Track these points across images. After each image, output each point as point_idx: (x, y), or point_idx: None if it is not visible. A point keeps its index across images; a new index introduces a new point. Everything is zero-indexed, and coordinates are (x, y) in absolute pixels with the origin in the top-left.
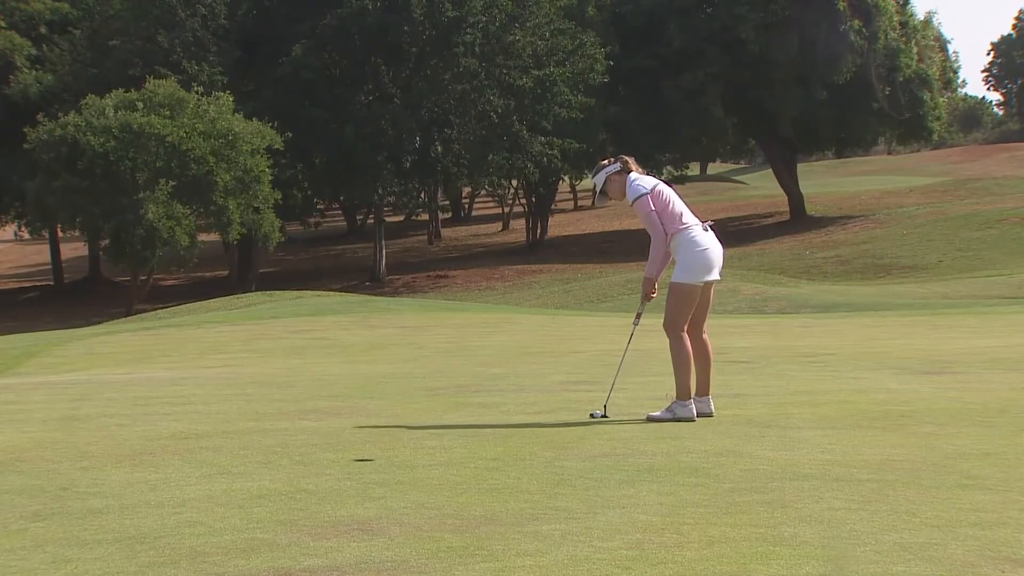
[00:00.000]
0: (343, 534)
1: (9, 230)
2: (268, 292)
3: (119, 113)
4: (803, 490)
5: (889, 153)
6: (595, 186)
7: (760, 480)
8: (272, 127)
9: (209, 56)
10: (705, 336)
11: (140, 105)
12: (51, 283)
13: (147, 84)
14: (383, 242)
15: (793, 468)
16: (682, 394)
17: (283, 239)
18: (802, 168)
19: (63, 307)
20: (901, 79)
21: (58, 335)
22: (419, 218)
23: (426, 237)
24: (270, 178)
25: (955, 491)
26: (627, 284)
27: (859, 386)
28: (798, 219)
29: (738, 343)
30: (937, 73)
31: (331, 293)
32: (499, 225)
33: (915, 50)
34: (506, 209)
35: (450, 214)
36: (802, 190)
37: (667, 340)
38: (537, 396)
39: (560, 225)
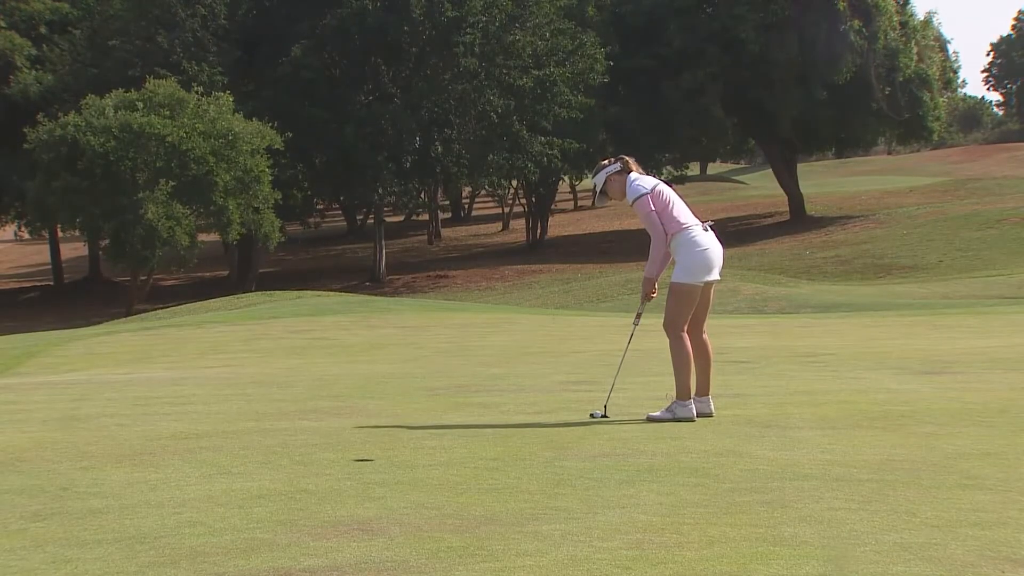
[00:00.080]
0: (343, 534)
1: (9, 230)
2: (268, 292)
3: (119, 113)
4: (803, 490)
5: (889, 153)
6: (595, 186)
7: (760, 480)
8: (272, 127)
9: (209, 56)
10: (705, 336)
11: (140, 105)
12: (51, 283)
13: (147, 84)
14: (383, 242)
15: (793, 468)
16: (682, 394)
17: (283, 239)
18: (802, 168)
19: (63, 307)
20: (901, 79)
21: (58, 335)
22: (419, 218)
23: (426, 237)
24: (270, 178)
25: (955, 491)
26: (627, 284)
27: (859, 386)
28: (798, 219)
29: (738, 343)
30: (937, 73)
31: (331, 293)
32: (499, 225)
33: (915, 50)
34: (506, 209)
35: (450, 214)
36: (802, 190)
37: (667, 340)
38: (537, 396)
39: (560, 225)
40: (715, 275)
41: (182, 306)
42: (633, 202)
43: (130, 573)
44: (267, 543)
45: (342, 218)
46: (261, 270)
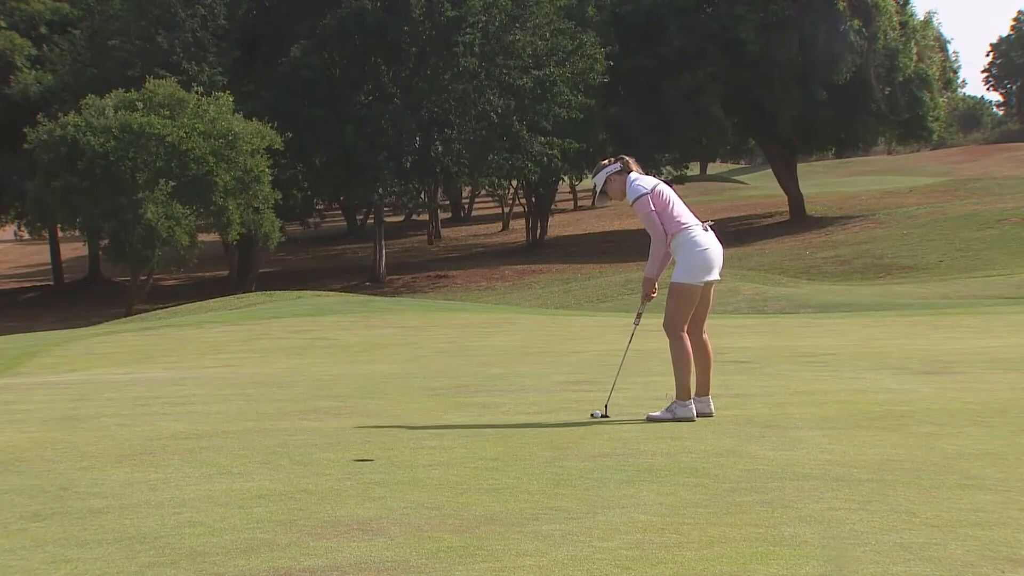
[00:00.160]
0: (343, 534)
1: (9, 230)
2: (268, 292)
3: (119, 113)
4: (803, 490)
5: (889, 153)
6: (595, 186)
7: (760, 480)
8: (272, 127)
9: (209, 56)
10: (705, 336)
11: (140, 105)
12: (51, 283)
13: (147, 84)
14: (383, 242)
15: (793, 468)
16: (682, 394)
17: (283, 239)
18: (802, 168)
19: (63, 307)
20: (901, 79)
21: (58, 335)
22: (419, 218)
23: (426, 237)
24: (270, 178)
25: (955, 491)
26: (627, 284)
27: (859, 386)
28: (798, 219)
29: (738, 343)
30: (937, 73)
31: (331, 293)
32: (499, 225)
33: (915, 50)
34: (506, 209)
35: (450, 214)
36: (802, 190)
37: (667, 340)
38: (537, 396)
39: (560, 225)
40: (715, 275)
41: (182, 306)
42: (633, 202)
43: (130, 573)
44: (267, 543)
45: (342, 218)
46: (261, 270)
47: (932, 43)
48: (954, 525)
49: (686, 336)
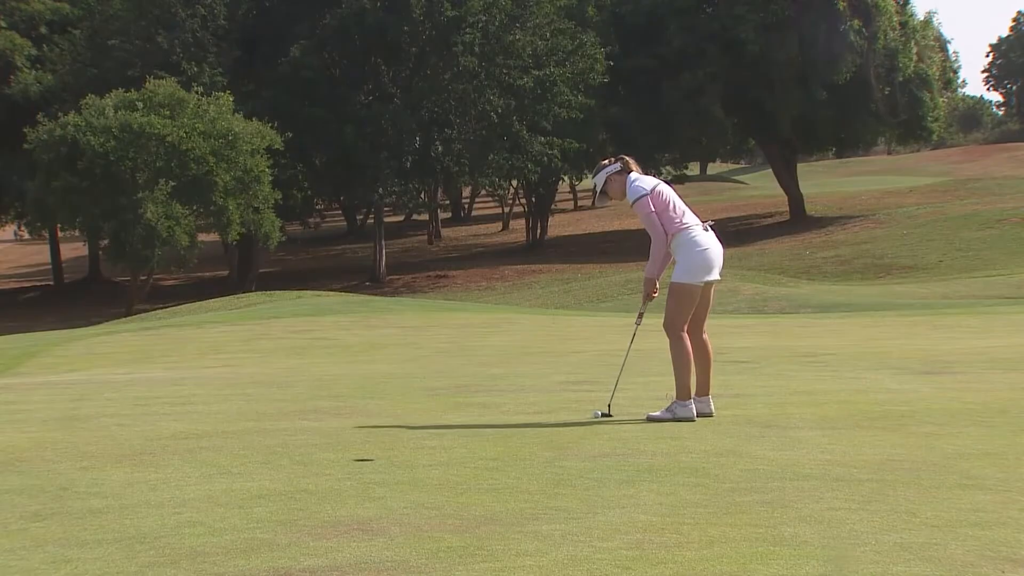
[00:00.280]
0: (343, 534)
1: (9, 230)
2: (268, 292)
3: (119, 113)
4: (803, 490)
5: (889, 153)
6: (595, 186)
7: (760, 480)
8: (272, 127)
9: (209, 56)
10: (705, 336)
11: (140, 105)
12: (51, 283)
13: (147, 84)
14: (383, 242)
15: (793, 468)
16: (682, 394)
17: (283, 239)
18: (802, 168)
19: (63, 307)
20: (901, 79)
21: (58, 335)
22: (419, 218)
23: (426, 237)
24: (270, 178)
25: (955, 491)
26: (627, 284)
27: (859, 386)
28: (798, 219)
29: (738, 343)
30: (937, 73)
31: (331, 293)
32: (499, 225)
33: (915, 50)
34: (506, 209)
35: (450, 214)
36: (802, 190)
37: (667, 340)
38: (537, 396)
39: (560, 225)
40: (715, 275)
41: (182, 306)
42: (633, 203)
43: (130, 573)
44: (267, 543)
45: (342, 218)
46: (261, 270)
47: (932, 43)
48: (954, 525)
49: (686, 336)
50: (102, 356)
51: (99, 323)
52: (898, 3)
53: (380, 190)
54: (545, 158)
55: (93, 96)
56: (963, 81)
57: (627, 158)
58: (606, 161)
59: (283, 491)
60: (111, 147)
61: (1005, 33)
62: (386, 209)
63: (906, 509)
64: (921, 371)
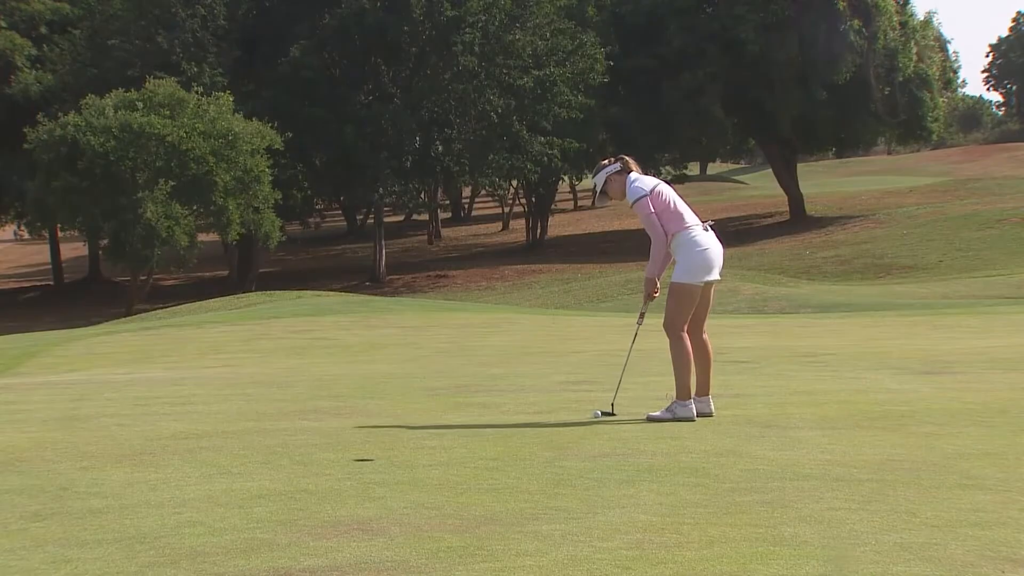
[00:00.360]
0: (343, 534)
1: (9, 230)
2: (268, 292)
3: (119, 113)
4: (803, 490)
5: (889, 153)
6: (595, 186)
7: (760, 480)
8: (272, 127)
9: (209, 57)
10: (705, 336)
11: (140, 105)
12: (51, 283)
13: (147, 84)
14: (383, 242)
15: (793, 468)
16: (682, 394)
17: (283, 239)
18: (802, 168)
19: (63, 307)
20: (900, 79)
21: (58, 335)
22: (419, 218)
23: (426, 237)
24: (270, 178)
25: (955, 491)
26: (627, 284)
27: (859, 386)
28: (798, 219)
29: (738, 343)
30: (937, 73)
31: (331, 293)
32: (499, 225)
33: (915, 50)
34: (506, 209)
35: (450, 214)
36: (802, 190)
37: (667, 340)
38: (537, 396)
39: (560, 225)
40: (715, 275)
41: (182, 306)
42: (633, 204)
43: (130, 573)
44: (267, 543)
45: (342, 218)
46: (261, 270)
47: (932, 43)
48: (954, 525)
49: (686, 336)
50: (102, 356)
51: (99, 323)
52: (898, 3)
53: (380, 190)
54: (545, 158)
55: (93, 96)
56: (963, 81)
57: (627, 158)
58: (606, 161)
59: (283, 491)
60: (111, 147)
61: (1005, 33)
62: (386, 209)
63: (906, 509)
64: (921, 371)
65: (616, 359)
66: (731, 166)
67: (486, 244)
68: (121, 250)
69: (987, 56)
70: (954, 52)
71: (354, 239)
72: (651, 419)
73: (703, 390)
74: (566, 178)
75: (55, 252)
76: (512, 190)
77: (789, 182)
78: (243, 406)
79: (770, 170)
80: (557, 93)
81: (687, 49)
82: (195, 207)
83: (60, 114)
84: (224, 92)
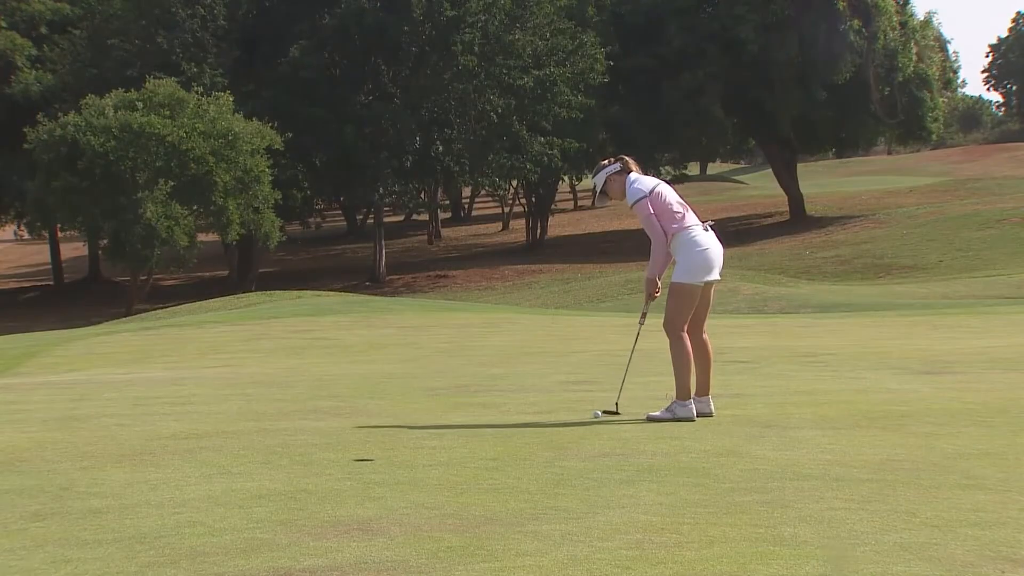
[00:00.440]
0: (343, 534)
1: (9, 230)
2: (268, 292)
3: (119, 113)
4: (803, 490)
5: (889, 153)
6: (595, 186)
7: (760, 480)
8: (272, 127)
9: (209, 57)
10: (705, 336)
11: (140, 105)
12: (51, 283)
13: (147, 84)
14: (383, 242)
15: (793, 468)
16: (682, 394)
17: (283, 239)
18: (802, 168)
19: (63, 307)
20: (900, 79)
21: (58, 335)
22: (419, 218)
23: (426, 237)
24: (270, 178)
25: (955, 491)
26: (627, 284)
27: (859, 386)
28: (798, 219)
29: (738, 343)
30: (937, 73)
31: (331, 293)
32: (499, 225)
33: (915, 50)
34: (506, 209)
35: (450, 214)
36: (802, 190)
37: (667, 340)
38: (537, 396)
39: (560, 225)
40: (715, 275)
41: (182, 306)
42: (632, 205)
43: (130, 573)
44: (267, 543)
45: (342, 218)
46: (261, 270)
47: (932, 43)
48: (954, 525)
49: (686, 336)
50: (102, 356)
51: (99, 323)
52: (898, 3)
53: (380, 190)
54: (545, 158)
55: (93, 96)
56: (963, 81)
57: (627, 158)
58: (606, 161)
59: (283, 491)
60: (111, 147)
61: (1005, 33)
62: (386, 209)
63: (906, 509)
64: (921, 371)
65: (616, 359)
66: (731, 166)
67: (486, 244)
68: (121, 250)
69: (987, 56)
70: (954, 52)
71: (354, 239)
72: (651, 419)
73: (703, 390)
74: (566, 178)
75: (55, 252)
76: (512, 190)
77: (789, 182)
78: (243, 406)
79: (770, 170)
80: (557, 93)
81: (687, 49)
82: (195, 207)
83: (60, 114)
84: (224, 92)
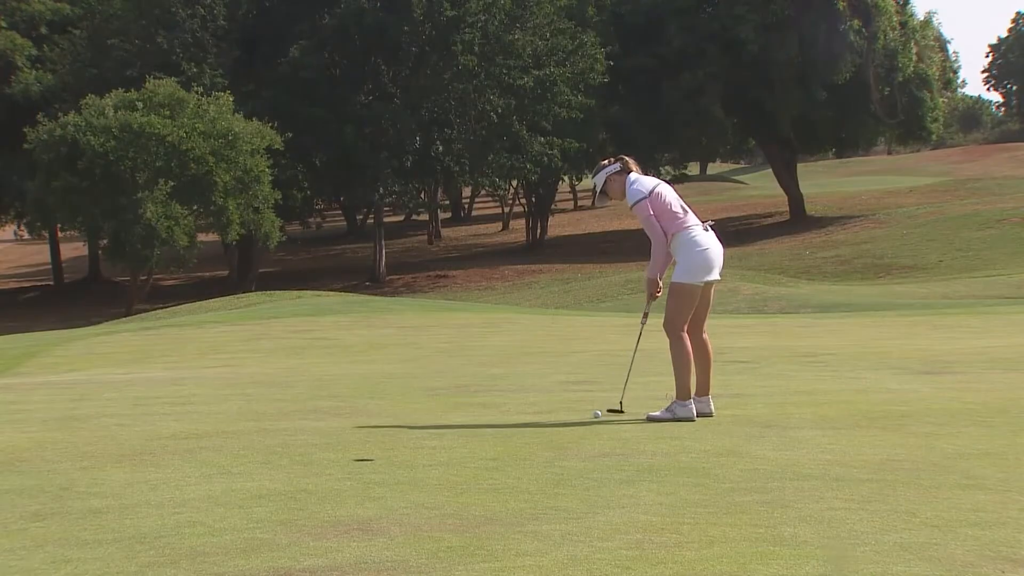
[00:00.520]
0: (343, 534)
1: (9, 230)
2: (268, 292)
3: (119, 113)
4: (803, 490)
5: (889, 153)
6: (595, 186)
7: (760, 480)
8: (272, 127)
9: (209, 57)
10: (705, 336)
11: (140, 105)
12: (51, 283)
13: (147, 84)
14: (383, 242)
15: (793, 468)
16: (682, 394)
17: (283, 239)
18: (802, 168)
19: (63, 307)
20: (900, 79)
21: (58, 335)
22: (419, 218)
23: (426, 237)
24: (270, 178)
25: (955, 491)
26: (627, 284)
27: (859, 386)
28: (798, 219)
29: (738, 343)
30: (937, 73)
31: (331, 293)
32: (499, 225)
33: (915, 50)
34: (506, 209)
35: (450, 214)
36: (802, 190)
37: (667, 340)
38: (537, 396)
39: (560, 225)
40: (715, 275)
41: (182, 306)
42: (632, 206)
43: (130, 573)
44: (267, 543)
45: (342, 218)
46: (261, 270)
47: (932, 43)
48: (954, 525)
49: (686, 336)
50: (102, 356)
51: (99, 323)
52: (898, 3)
53: (380, 190)
54: (545, 158)
55: (93, 96)
56: (963, 81)
57: (627, 158)
58: (606, 161)
59: (283, 491)
60: (111, 147)
61: (1004, 34)
62: (386, 209)
63: (906, 509)
64: (921, 371)
65: (616, 359)
66: (731, 166)
67: (486, 244)
68: (121, 250)
69: (987, 56)
70: (954, 52)
71: (354, 239)
72: (651, 419)
73: (703, 390)
74: (566, 178)
75: (55, 252)
76: (512, 190)
77: (789, 182)
78: (243, 406)
79: (770, 170)
80: (557, 93)
81: (687, 49)
82: (195, 207)
83: (60, 114)
84: (224, 92)
